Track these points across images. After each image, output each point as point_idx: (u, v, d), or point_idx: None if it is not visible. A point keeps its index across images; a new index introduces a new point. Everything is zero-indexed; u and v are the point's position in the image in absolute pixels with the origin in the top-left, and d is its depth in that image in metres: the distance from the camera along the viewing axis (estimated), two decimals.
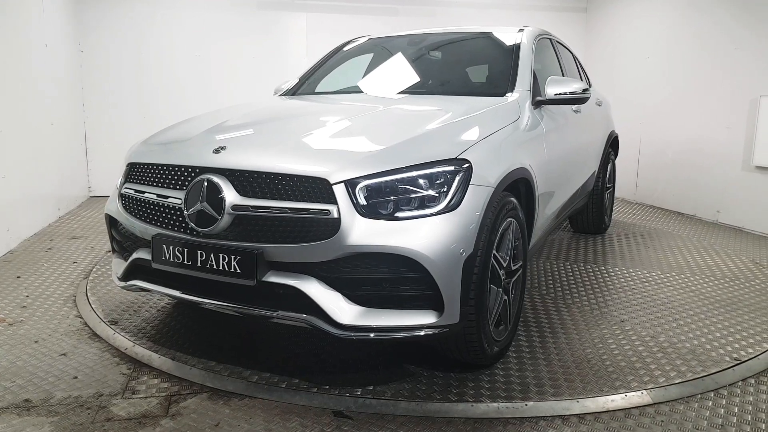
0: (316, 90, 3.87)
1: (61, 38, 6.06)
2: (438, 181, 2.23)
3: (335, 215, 2.11)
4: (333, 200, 2.13)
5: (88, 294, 3.48)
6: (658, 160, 6.76)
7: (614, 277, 3.97)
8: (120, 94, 6.90)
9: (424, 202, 2.20)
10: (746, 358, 2.73)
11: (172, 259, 2.34)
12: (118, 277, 2.72)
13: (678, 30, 6.41)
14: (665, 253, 4.65)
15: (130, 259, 2.60)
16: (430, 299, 2.17)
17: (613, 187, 5.52)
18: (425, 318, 2.17)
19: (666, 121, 6.58)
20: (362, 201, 2.14)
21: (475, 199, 2.27)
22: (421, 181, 2.21)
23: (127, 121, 6.90)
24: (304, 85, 3.96)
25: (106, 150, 6.87)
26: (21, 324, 3.06)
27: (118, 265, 2.75)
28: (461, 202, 2.22)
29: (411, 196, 2.20)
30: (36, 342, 2.85)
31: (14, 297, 3.47)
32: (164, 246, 2.36)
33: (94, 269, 4.00)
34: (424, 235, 2.12)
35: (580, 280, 3.89)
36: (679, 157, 6.40)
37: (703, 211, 6.09)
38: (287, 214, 2.16)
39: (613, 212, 5.74)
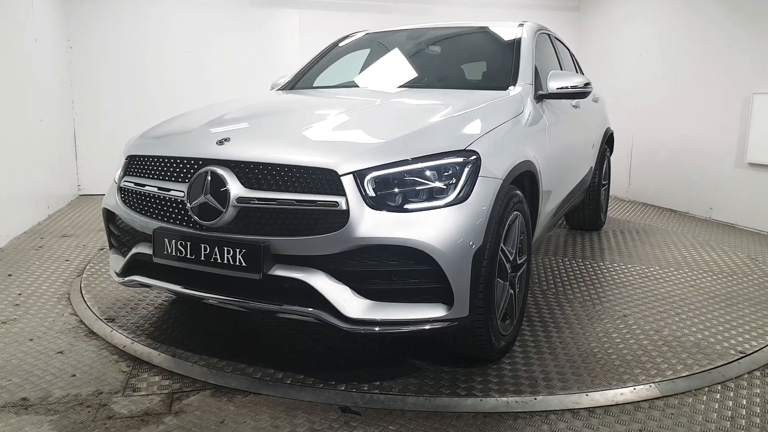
0: (314, 85, 3.83)
1: (51, 34, 5.96)
2: (447, 173, 2.20)
3: (344, 207, 2.07)
4: (341, 192, 2.09)
5: (83, 291, 3.41)
6: (651, 158, 6.79)
7: (613, 273, 3.97)
8: (110, 91, 6.80)
9: (433, 194, 2.17)
10: (751, 351, 2.73)
11: (174, 253, 2.29)
12: (116, 273, 2.66)
13: (670, 28, 6.45)
14: (662, 249, 4.66)
15: (130, 254, 2.54)
16: (440, 292, 2.14)
17: (609, 183, 5.53)
18: (435, 311, 2.14)
19: (659, 119, 6.62)
20: (371, 193, 2.11)
21: (484, 191, 2.24)
22: (429, 173, 2.18)
23: (117, 118, 6.80)
24: (302, 80, 3.92)
25: (96, 148, 6.78)
26: (14, 322, 2.99)
27: (116, 261, 2.70)
28: (470, 194, 2.20)
29: (420, 187, 2.16)
30: (31, 340, 2.78)
31: (6, 295, 3.39)
32: (166, 240, 2.31)
33: (88, 267, 3.93)
34: (434, 227, 2.09)
35: (579, 276, 3.88)
36: (672, 154, 6.44)
37: (696, 208, 6.13)
38: (294, 206, 2.12)
39: (608, 210, 5.75)
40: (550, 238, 4.98)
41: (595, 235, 5.15)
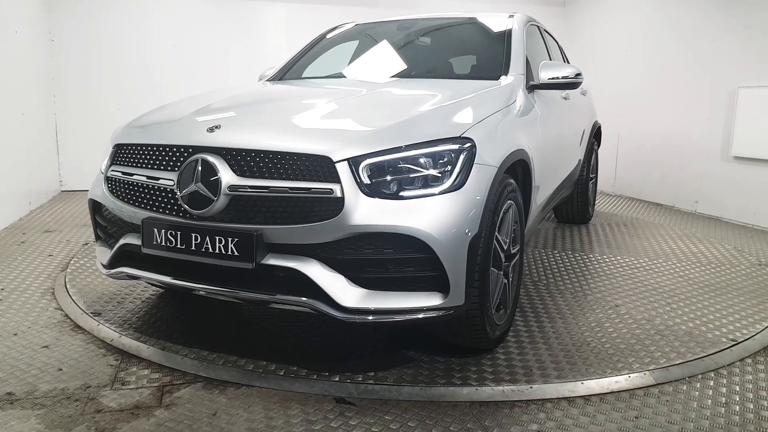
0: (303, 75, 3.79)
1: (32, 26, 5.83)
2: (442, 160, 2.17)
3: (338, 194, 2.04)
4: (336, 179, 2.05)
5: (68, 286, 3.34)
6: (636, 152, 6.83)
7: (603, 264, 3.98)
8: (93, 85, 6.68)
9: (429, 182, 2.14)
10: (742, 339, 2.75)
11: (164, 244, 2.24)
12: (103, 265, 2.60)
13: (656, 23, 6.49)
14: (649, 241, 4.69)
15: (117, 245, 2.48)
16: (436, 281, 2.11)
17: (596, 177, 5.55)
18: (431, 300, 2.12)
19: (644, 114, 6.66)
20: (366, 180, 2.08)
21: (480, 179, 2.22)
22: (425, 160, 2.15)
23: (100, 113, 6.68)
24: (290, 71, 3.87)
25: (79, 143, 6.66)
26: None
27: (103, 253, 2.63)
28: (466, 181, 2.18)
29: (415, 174, 2.14)
30: (15, 335, 2.71)
31: None
32: (155, 230, 2.25)
33: (72, 261, 3.85)
34: (430, 215, 2.07)
35: (570, 268, 3.88)
36: (658, 148, 6.48)
37: (682, 202, 6.18)
38: (287, 194, 2.08)
39: (595, 203, 5.77)
40: (539, 231, 4.98)
41: (584, 228, 5.17)
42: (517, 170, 2.75)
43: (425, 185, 2.13)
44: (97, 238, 2.74)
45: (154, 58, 6.84)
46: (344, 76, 3.61)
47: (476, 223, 2.17)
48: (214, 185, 2.15)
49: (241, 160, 2.16)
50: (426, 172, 2.15)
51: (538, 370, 2.39)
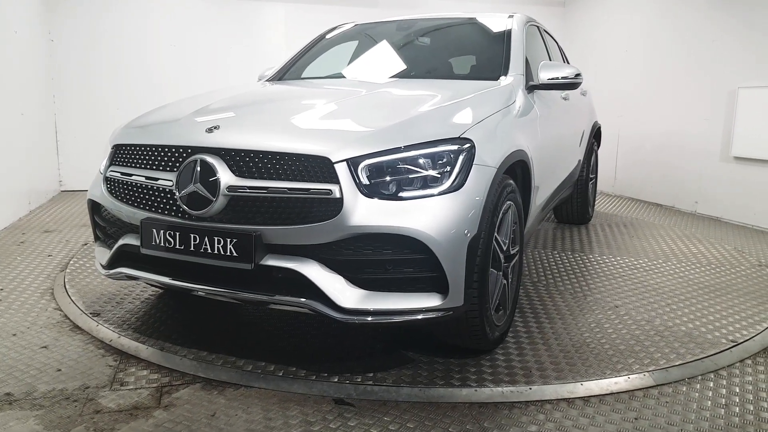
0: (303, 76, 3.78)
1: (32, 26, 5.83)
2: (441, 161, 2.17)
3: (337, 195, 2.04)
4: (335, 180, 2.05)
5: (67, 286, 3.34)
6: (636, 153, 6.83)
7: (603, 265, 3.98)
8: (92, 85, 6.67)
9: (428, 182, 2.14)
10: (742, 340, 2.74)
11: (162, 244, 2.24)
12: (102, 265, 2.59)
13: (656, 23, 6.48)
14: (649, 241, 4.69)
15: (116, 245, 2.48)
16: (435, 281, 2.11)
17: (596, 177, 5.55)
18: (430, 301, 2.11)
19: (644, 114, 6.66)
20: (365, 180, 2.07)
21: (479, 180, 2.22)
22: (424, 161, 2.15)
23: (100, 113, 6.67)
24: (290, 72, 3.87)
25: (78, 143, 6.65)
26: None
27: (102, 254, 2.63)
28: (465, 182, 2.17)
29: (414, 175, 2.13)
30: (14, 335, 2.71)
31: None
32: (154, 230, 2.25)
33: (71, 262, 3.84)
34: (429, 216, 2.06)
35: (570, 268, 3.88)
36: (658, 149, 6.48)
37: (682, 202, 6.17)
38: (286, 194, 2.08)
39: (595, 204, 5.77)
40: (538, 231, 4.98)
41: (583, 228, 5.16)
42: (516, 171, 2.75)
43: (424, 186, 2.13)
44: (96, 238, 2.74)
45: (154, 58, 6.84)
46: (343, 77, 3.61)
47: (475, 224, 2.16)
48: (213, 186, 2.15)
49: (240, 160, 2.16)
50: (425, 172, 2.14)
51: (538, 371, 2.39)
